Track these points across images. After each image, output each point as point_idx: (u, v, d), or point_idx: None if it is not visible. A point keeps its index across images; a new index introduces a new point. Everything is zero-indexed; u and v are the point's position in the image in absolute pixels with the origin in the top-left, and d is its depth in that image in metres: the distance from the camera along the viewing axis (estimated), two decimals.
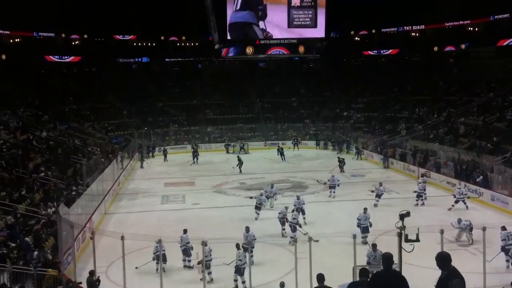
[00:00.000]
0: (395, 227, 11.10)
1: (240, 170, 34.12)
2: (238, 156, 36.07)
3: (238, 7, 28.11)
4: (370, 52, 57.66)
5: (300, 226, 18.38)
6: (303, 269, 12.99)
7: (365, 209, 18.75)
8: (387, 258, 6.60)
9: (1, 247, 14.46)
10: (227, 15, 28.17)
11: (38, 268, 13.35)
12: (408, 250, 10.47)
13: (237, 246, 14.70)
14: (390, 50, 56.11)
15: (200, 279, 14.01)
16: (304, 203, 20.87)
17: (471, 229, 17.43)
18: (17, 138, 27.40)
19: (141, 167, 37.81)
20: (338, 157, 36.11)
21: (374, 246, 14.86)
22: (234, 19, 28.30)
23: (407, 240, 10.46)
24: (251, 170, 35.30)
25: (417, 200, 24.01)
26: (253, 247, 15.93)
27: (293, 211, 19.56)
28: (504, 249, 15.48)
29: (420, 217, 19.91)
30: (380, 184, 24.24)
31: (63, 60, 52.67)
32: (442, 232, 13.25)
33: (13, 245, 14.91)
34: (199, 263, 14.46)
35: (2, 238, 14.99)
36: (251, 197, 23.62)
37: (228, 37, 28.79)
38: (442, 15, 48.76)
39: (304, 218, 20.35)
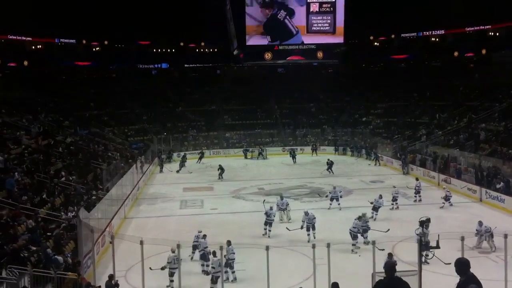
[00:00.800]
0: (414, 234, 11.02)
1: (221, 177, 33.96)
2: (219, 164, 35.44)
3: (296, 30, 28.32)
4: (389, 57, 57.30)
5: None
6: (323, 275, 12.94)
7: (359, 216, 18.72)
8: (390, 266, 6.67)
9: (22, 251, 14.64)
10: (245, 22, 28.30)
11: (58, 272, 13.49)
12: (428, 258, 10.37)
13: (214, 253, 14.69)
14: (410, 55, 55.72)
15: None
16: (314, 218, 19.58)
17: (492, 236, 17.19)
18: (39, 143, 27.76)
19: (161, 171, 38.04)
20: (328, 159, 36.91)
21: (390, 255, 14.78)
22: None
23: (427, 247, 10.38)
24: (269, 175, 35.30)
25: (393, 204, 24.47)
26: (233, 261, 15.54)
27: (301, 227, 19.51)
28: None
29: (440, 223, 19.72)
30: (380, 197, 22.67)
31: (83, 66, 53.27)
32: (462, 239, 13.09)
33: (34, 248, 15.07)
34: (162, 268, 14.62)
35: (23, 242, 15.16)
36: (264, 201, 23.03)
37: (247, 43, 28.92)
38: (462, 20, 48.34)
39: (314, 233, 19.37)
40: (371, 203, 22.68)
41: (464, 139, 35.49)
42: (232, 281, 15.29)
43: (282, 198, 23.05)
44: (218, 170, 34.60)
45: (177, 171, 37.29)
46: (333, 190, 24.96)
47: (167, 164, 39.94)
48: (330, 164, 35.60)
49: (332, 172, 35.25)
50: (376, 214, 22.27)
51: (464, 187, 27.51)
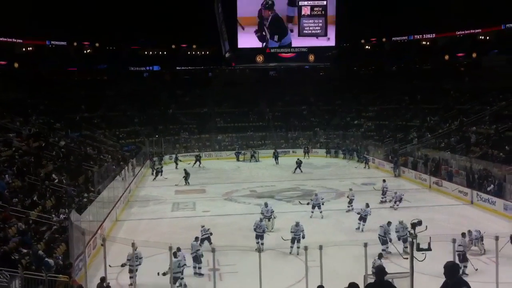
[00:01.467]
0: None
1: (187, 182, 33.20)
2: (184, 169, 34.64)
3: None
4: (380, 61, 57.53)
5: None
6: (315, 277, 12.94)
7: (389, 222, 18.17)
8: (379, 270, 6.72)
9: (13, 253, 14.55)
10: (237, 25, 28.33)
11: (49, 274, 13.41)
12: (419, 259, 10.40)
13: (174, 254, 14.56)
14: (401, 59, 55.99)
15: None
16: (303, 230, 18.24)
17: (482, 239, 17.29)
18: (30, 146, 27.61)
19: (154, 179, 36.18)
20: (297, 159, 38.36)
21: (380, 255, 14.89)
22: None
23: (418, 249, 10.41)
24: (261, 178, 35.33)
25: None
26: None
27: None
28: None
29: (432, 226, 19.78)
30: (367, 206, 21.34)
31: (75, 69, 53.07)
32: (454, 241, 13.16)
33: (25, 251, 14.99)
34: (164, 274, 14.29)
35: (14, 244, 15.07)
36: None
37: (239, 46, 28.93)
38: (453, 24, 48.64)
39: (298, 246, 18.05)
40: (358, 213, 21.30)
41: (455, 142, 35.70)
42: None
43: (266, 205, 21.50)
44: (183, 176, 33.57)
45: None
46: (315, 197, 23.45)
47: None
48: (299, 163, 36.95)
49: (301, 171, 36.61)
50: (364, 225, 20.95)
51: (455, 189, 27.65)
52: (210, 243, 17.67)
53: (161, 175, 36.40)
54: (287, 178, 35.07)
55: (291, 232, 18.11)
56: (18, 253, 14.72)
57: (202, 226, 18.66)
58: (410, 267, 10.60)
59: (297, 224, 18.23)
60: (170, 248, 13.58)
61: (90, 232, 17.40)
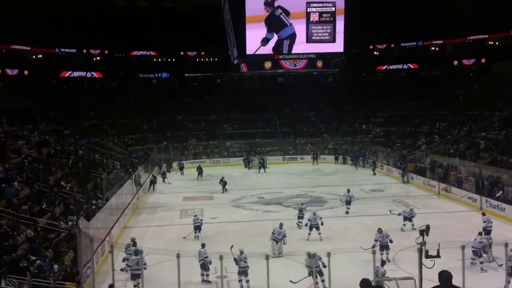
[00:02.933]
0: (415, 243, 10.99)
1: (224, 190, 33.00)
2: (222, 177, 34.03)
3: (290, 21, 28.55)
4: (389, 67, 57.41)
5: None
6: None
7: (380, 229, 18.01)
8: (364, 283, 6.80)
9: (21, 261, 14.60)
10: (246, 31, 28.37)
11: (57, 281, 13.45)
12: (428, 266, 10.32)
13: (136, 252, 15.37)
14: (410, 65, 55.82)
15: None
16: (321, 218, 20.77)
17: (490, 246, 17.15)
18: (42, 153, 27.78)
19: (163, 181, 37.08)
20: (260, 157, 40.80)
21: (382, 262, 14.82)
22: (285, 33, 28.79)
23: (427, 256, 10.34)
24: (269, 184, 35.30)
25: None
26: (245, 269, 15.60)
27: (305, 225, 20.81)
28: None
29: (441, 233, 19.67)
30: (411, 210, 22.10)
31: (84, 76, 53.36)
32: (463, 248, 13.07)
33: (33, 258, 15.04)
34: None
35: (22, 252, 15.13)
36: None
37: (247, 52, 28.94)
38: (461, 30, 48.44)
39: (319, 233, 20.48)
40: (399, 214, 21.92)
41: (464, 148, 35.49)
42: None
43: (281, 226, 18.90)
44: (220, 183, 33.52)
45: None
46: (313, 216, 20.70)
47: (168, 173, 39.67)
48: (262, 163, 39.19)
49: (265, 171, 39.01)
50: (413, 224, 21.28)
51: (464, 196, 27.47)
52: (199, 231, 20.74)
53: (165, 180, 36.68)
54: (295, 185, 35.01)
55: (308, 220, 20.40)
56: (27, 261, 14.77)
57: (195, 215, 21.49)
58: (418, 274, 10.54)
59: (314, 213, 20.36)
60: (178, 256, 13.59)
61: (98, 239, 17.43)
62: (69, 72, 51.32)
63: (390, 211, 22.86)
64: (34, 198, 20.80)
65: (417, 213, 24.59)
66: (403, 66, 56.30)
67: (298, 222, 22.36)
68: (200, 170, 38.85)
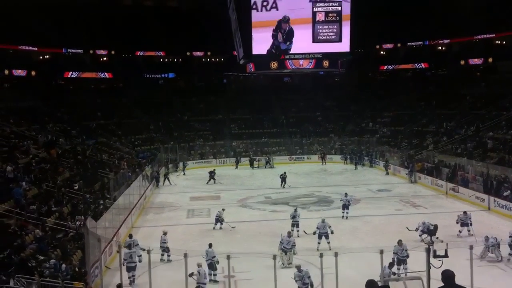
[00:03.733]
0: (423, 243, 10.97)
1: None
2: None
3: (281, 39, 28.45)
4: (396, 66, 57.27)
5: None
6: (330, 284, 12.89)
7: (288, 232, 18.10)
8: (370, 284, 6.77)
9: (30, 260, 14.68)
10: (252, 31, 28.35)
11: (65, 281, 13.50)
12: (436, 266, 10.29)
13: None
14: (416, 64, 55.65)
15: None
16: (330, 226, 19.04)
17: (498, 246, 17.08)
18: (52, 154, 27.93)
19: (170, 183, 36.71)
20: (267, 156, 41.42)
21: (390, 264, 14.71)
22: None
23: (435, 256, 10.31)
24: (276, 184, 35.25)
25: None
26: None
27: (314, 233, 19.19)
28: None
29: (449, 232, 19.62)
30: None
31: (90, 76, 53.53)
32: (471, 248, 13.03)
33: (42, 258, 15.11)
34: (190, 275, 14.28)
35: (31, 251, 15.21)
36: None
37: (253, 53, 28.92)
38: (468, 29, 48.28)
39: (328, 242, 18.91)
40: (416, 229, 19.66)
41: (471, 147, 35.36)
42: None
43: (290, 235, 17.94)
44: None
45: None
46: (321, 224, 19.09)
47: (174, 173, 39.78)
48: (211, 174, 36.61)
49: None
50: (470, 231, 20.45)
51: (472, 195, 27.35)
52: (168, 255, 18.01)
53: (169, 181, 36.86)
54: (302, 185, 34.98)
55: (317, 228, 19.02)
56: (35, 260, 14.84)
57: (165, 234, 18.71)
58: (426, 274, 10.51)
59: (323, 221, 19.08)
60: (185, 255, 13.61)
61: (106, 239, 17.48)
62: (76, 73, 51.49)
63: (407, 228, 20.26)
64: (42, 198, 20.89)
65: (425, 213, 24.63)
66: (413, 65, 56.06)
67: (294, 230, 20.23)
68: (212, 175, 36.84)
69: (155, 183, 35.21)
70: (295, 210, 21.73)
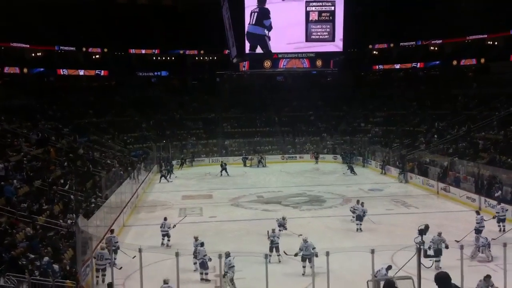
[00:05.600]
0: (413, 242, 11.02)
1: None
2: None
3: (254, 21, 28.38)
4: (388, 66, 57.40)
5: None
6: (321, 283, 12.91)
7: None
8: (388, 285, 6.77)
9: (20, 259, 14.61)
10: (245, 30, 28.35)
11: (56, 280, 13.45)
12: (427, 266, 10.35)
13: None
14: (408, 64, 55.78)
15: None
16: (314, 248, 16.29)
17: (489, 246, 17.19)
18: (50, 154, 27.88)
19: (168, 181, 37.29)
20: (259, 156, 43.09)
21: (389, 266, 14.66)
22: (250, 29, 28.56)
23: (426, 256, 10.37)
24: (268, 183, 35.34)
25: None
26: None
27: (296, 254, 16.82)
28: None
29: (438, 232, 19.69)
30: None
31: (83, 74, 53.27)
32: (462, 248, 13.09)
33: (32, 256, 15.04)
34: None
35: (22, 250, 15.14)
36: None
37: (246, 51, 28.90)
38: (461, 29, 48.45)
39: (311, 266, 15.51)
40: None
41: (463, 147, 35.54)
42: None
43: (227, 255, 15.27)
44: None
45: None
46: (304, 245, 16.72)
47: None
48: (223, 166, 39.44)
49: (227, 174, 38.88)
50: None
51: (463, 195, 27.49)
52: (168, 240, 20.34)
53: (168, 178, 36.89)
54: (294, 184, 35.05)
55: (299, 249, 16.68)
56: (26, 259, 14.77)
57: (165, 219, 20.91)
58: (417, 273, 10.58)
59: (305, 241, 16.66)
60: (177, 254, 13.59)
61: (97, 237, 17.44)
62: (68, 70, 51.21)
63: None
64: (33, 196, 20.79)
65: (415, 213, 24.78)
66: (405, 65, 56.14)
67: (273, 254, 17.55)
68: (224, 166, 39.77)
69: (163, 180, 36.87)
70: (273, 231, 18.36)
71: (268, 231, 18.20)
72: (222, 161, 41.76)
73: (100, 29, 49.73)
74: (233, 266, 15.16)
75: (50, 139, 32.24)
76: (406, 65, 55.47)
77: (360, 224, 21.78)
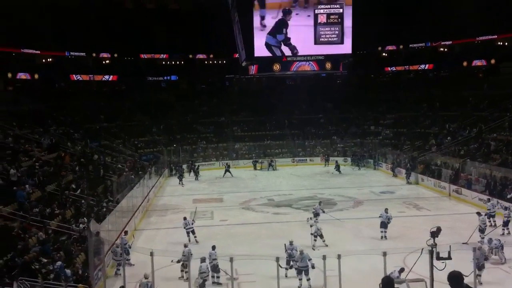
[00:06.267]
0: (426, 245, 10.95)
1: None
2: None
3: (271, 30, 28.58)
4: (398, 68, 57.24)
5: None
6: (333, 286, 12.87)
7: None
8: (386, 282, 6.74)
9: (33, 263, 14.70)
10: (254, 33, 28.44)
11: (68, 284, 13.52)
12: (440, 268, 10.28)
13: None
14: (418, 66, 55.59)
15: None
16: (310, 259, 15.51)
17: (502, 248, 17.06)
18: (64, 160, 28.09)
19: (182, 185, 37.61)
20: (270, 159, 43.70)
21: (401, 269, 14.52)
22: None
23: (438, 258, 10.31)
24: (279, 186, 35.28)
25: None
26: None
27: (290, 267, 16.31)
28: None
29: (452, 234, 19.59)
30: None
31: (93, 79, 53.63)
32: (474, 250, 13.01)
33: (45, 260, 15.13)
34: (178, 261, 15.88)
35: (34, 254, 15.23)
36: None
37: (255, 55, 28.99)
38: (471, 30, 48.24)
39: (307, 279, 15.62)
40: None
41: (474, 149, 35.31)
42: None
43: (291, 243, 16.50)
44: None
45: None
46: (300, 256, 15.69)
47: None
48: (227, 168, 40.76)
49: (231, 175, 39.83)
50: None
51: (475, 197, 27.29)
52: (195, 236, 21.00)
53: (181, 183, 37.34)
54: (305, 187, 34.97)
55: (294, 261, 15.81)
56: (38, 263, 14.86)
57: (185, 219, 21.42)
58: (430, 276, 10.52)
59: (301, 253, 15.64)
60: (151, 254, 13.62)
61: (109, 241, 17.50)
62: (79, 75, 51.59)
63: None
64: (45, 201, 20.92)
65: (428, 215, 24.63)
66: (415, 67, 55.96)
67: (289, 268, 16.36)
68: (227, 168, 41.20)
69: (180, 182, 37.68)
70: (291, 243, 16.75)
71: (285, 244, 16.68)
72: (226, 163, 42.66)
73: (109, 35, 50.03)
74: (204, 273, 15.15)
75: (63, 144, 32.43)
76: (415, 66, 55.25)
77: (385, 232, 20.86)
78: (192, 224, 21.22)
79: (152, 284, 13.92)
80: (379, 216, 21.27)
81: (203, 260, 15.27)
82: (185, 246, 17.11)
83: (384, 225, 20.90)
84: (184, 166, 42.30)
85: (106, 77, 54.29)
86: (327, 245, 19.29)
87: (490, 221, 21.90)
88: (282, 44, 29.45)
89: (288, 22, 29.19)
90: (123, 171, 32.65)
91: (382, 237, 20.78)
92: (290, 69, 31.30)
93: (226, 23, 32.87)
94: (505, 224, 21.16)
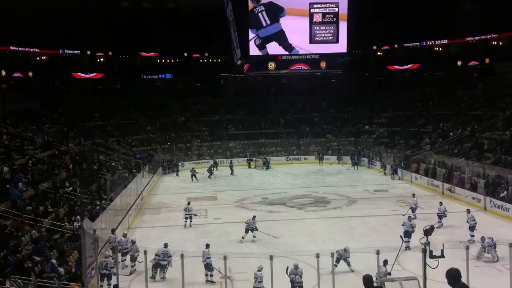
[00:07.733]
0: (419, 243, 10.98)
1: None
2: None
3: (268, 22, 28.40)
4: (393, 67, 57.32)
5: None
6: (326, 285, 12.89)
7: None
8: (366, 280, 6.84)
9: (26, 261, 14.66)
10: (249, 32, 28.37)
11: (62, 282, 13.50)
12: (432, 267, 10.31)
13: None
14: (413, 65, 55.68)
15: None
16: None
17: (495, 246, 17.13)
18: (64, 161, 28.02)
19: (177, 175, 40.78)
20: (264, 157, 43.67)
21: (385, 261, 14.41)
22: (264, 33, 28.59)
23: (431, 256, 10.33)
24: (273, 185, 35.30)
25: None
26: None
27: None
28: None
29: (445, 233, 19.67)
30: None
31: (88, 77, 53.45)
32: (467, 248, 13.06)
33: (38, 259, 15.10)
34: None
35: (27, 252, 15.19)
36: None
37: (250, 53, 28.91)
38: (465, 30, 48.37)
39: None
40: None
41: (468, 148, 35.44)
42: None
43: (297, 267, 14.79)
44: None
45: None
46: (295, 271, 14.69)
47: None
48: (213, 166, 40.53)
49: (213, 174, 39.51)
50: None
51: (468, 196, 27.41)
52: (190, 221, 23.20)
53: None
54: (299, 185, 35.01)
55: (289, 274, 14.66)
56: (31, 261, 14.82)
57: (189, 203, 23.69)
58: (423, 274, 10.55)
59: (296, 266, 14.72)
60: (182, 256, 13.62)
61: (102, 239, 17.45)
62: (73, 73, 51.40)
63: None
64: (39, 199, 20.86)
65: (421, 213, 24.69)
66: (410, 66, 56.04)
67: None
68: (215, 165, 41.71)
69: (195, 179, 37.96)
70: (296, 267, 14.77)
71: (287, 267, 14.78)
72: (213, 160, 43.46)
73: (104, 33, 49.90)
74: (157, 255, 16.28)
75: (57, 142, 32.35)
76: (410, 66, 55.34)
77: (408, 241, 18.46)
78: (191, 211, 23.52)
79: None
80: (402, 225, 19.63)
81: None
82: (133, 242, 17.84)
83: (408, 234, 18.79)
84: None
85: (101, 75, 54.07)
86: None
87: (414, 215, 23.08)
88: (278, 43, 29.42)
89: (284, 21, 29.18)
90: (117, 169, 32.58)
91: (406, 247, 17.98)
92: (285, 68, 31.24)
93: (221, 22, 32.80)
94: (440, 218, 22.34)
